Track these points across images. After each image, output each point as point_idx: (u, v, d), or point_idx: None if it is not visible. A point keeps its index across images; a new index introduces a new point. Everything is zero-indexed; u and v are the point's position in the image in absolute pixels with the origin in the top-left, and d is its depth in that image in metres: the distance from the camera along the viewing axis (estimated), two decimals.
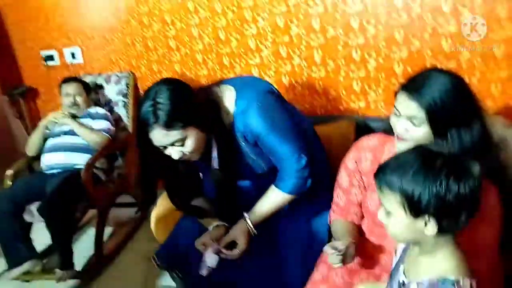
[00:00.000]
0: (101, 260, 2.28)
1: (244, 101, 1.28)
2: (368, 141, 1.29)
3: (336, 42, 1.96)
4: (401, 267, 0.81)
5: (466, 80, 1.08)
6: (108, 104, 2.64)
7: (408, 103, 1.05)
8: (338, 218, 1.33)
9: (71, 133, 2.31)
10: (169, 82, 1.24)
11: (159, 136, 1.18)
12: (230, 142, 1.33)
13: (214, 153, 1.34)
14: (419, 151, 0.77)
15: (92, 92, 2.57)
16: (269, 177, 1.37)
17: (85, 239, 2.52)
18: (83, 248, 2.35)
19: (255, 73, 2.23)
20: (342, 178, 1.32)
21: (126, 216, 2.74)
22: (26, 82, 3.26)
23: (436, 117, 1.03)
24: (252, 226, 1.33)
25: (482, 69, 1.67)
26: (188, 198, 1.48)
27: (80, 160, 2.22)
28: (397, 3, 1.77)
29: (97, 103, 2.59)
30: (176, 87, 1.22)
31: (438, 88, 1.03)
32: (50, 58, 3.02)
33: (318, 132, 1.58)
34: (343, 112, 2.05)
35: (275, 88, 1.41)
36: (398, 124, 1.09)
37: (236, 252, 1.31)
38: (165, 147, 1.23)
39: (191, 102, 1.21)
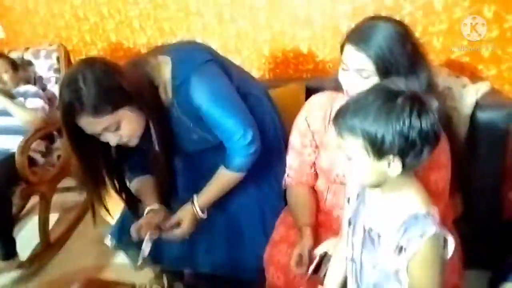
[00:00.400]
0: (48, 248, 2.13)
1: (182, 72, 1.18)
2: (317, 99, 1.27)
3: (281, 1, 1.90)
4: (364, 213, 0.80)
5: None
6: (39, 82, 2.42)
7: (356, 55, 1.02)
8: (292, 185, 1.31)
9: (2, 114, 2.09)
10: (90, 63, 1.12)
11: (88, 124, 1.09)
12: (170, 119, 1.24)
13: (154, 135, 1.22)
14: (378, 90, 0.74)
15: (20, 70, 2.33)
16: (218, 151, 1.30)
17: (29, 228, 2.34)
18: (28, 238, 2.19)
19: (199, 38, 2.12)
20: (294, 139, 1.30)
21: (72, 200, 2.58)
22: None
23: (384, 67, 1.01)
24: (198, 209, 1.28)
25: (423, 22, 1.69)
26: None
27: (13, 143, 2.03)
28: None
29: (27, 81, 2.36)
30: (99, 67, 1.10)
31: (384, 37, 1.01)
32: None
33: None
34: (292, 75, 2.02)
35: (218, 54, 1.33)
36: (346, 79, 1.06)
37: (176, 233, 1.26)
38: (99, 134, 1.13)
39: (119, 82, 1.10)
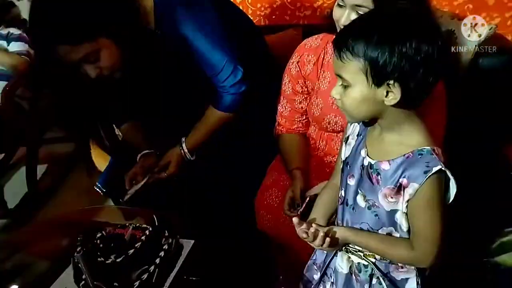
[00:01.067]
0: (36, 197, 2.11)
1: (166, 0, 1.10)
2: (311, 42, 1.21)
3: None
4: (363, 151, 0.76)
5: None
6: (23, 24, 2.30)
7: None
8: (283, 132, 1.27)
9: None
10: None
11: (65, 53, 1.01)
12: (153, 49, 1.15)
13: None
14: (381, 10, 0.69)
15: (2, 12, 2.21)
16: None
17: (17, 181, 2.28)
18: (16, 188, 2.15)
19: None
20: (286, 85, 1.25)
21: (59, 152, 2.54)
22: None
23: (383, 3, 0.95)
24: (186, 150, 1.25)
25: None
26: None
27: None
28: None
29: (9, 24, 2.24)
30: None
31: None
32: None
33: None
34: (289, 21, 1.93)
35: None
36: (341, 15, 1.00)
37: (163, 174, 1.25)
38: (77, 65, 1.05)
39: (96, 6, 1.00)
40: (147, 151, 1.31)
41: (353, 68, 0.66)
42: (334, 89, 0.72)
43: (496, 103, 1.25)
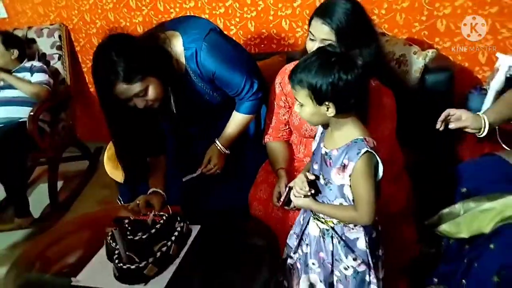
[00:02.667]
0: (57, 207, 2.37)
1: (192, 44, 1.40)
2: (290, 67, 1.50)
3: None
4: (322, 144, 1.05)
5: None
6: (43, 58, 2.61)
7: (322, 27, 1.26)
8: (271, 140, 1.55)
9: (9, 87, 2.30)
10: (116, 38, 1.29)
11: (122, 90, 1.26)
12: (185, 85, 1.45)
13: (172, 100, 1.45)
14: (319, 52, 0.99)
15: (26, 47, 2.52)
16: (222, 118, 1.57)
17: (38, 195, 2.56)
18: (38, 202, 2.40)
19: None
20: (271, 101, 1.54)
21: (74, 170, 2.81)
22: None
23: (344, 38, 1.25)
24: (222, 146, 1.55)
25: (388, 0, 1.93)
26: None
27: (22, 113, 2.24)
28: None
29: (32, 58, 2.55)
30: (126, 43, 1.27)
31: (344, 12, 1.25)
32: None
33: None
34: (275, 49, 2.24)
35: (215, 25, 1.53)
36: (313, 47, 1.27)
37: (210, 166, 1.53)
38: (130, 99, 1.30)
39: (143, 55, 1.27)
40: (158, 190, 1.45)
41: (302, 95, 0.97)
42: (295, 106, 1.03)
43: (439, 109, 1.54)
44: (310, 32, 1.30)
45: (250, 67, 1.51)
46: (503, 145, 1.46)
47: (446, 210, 1.35)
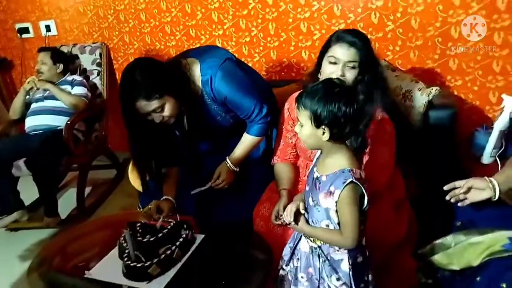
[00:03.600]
0: (83, 211, 2.55)
1: (209, 71, 1.55)
2: (296, 94, 1.62)
3: (287, 15, 2.27)
4: (315, 169, 1.15)
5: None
6: (84, 73, 2.86)
7: (349, 49, 1.40)
8: (278, 162, 1.66)
9: (52, 97, 2.53)
10: (143, 62, 1.47)
11: (142, 106, 1.43)
12: (200, 106, 1.60)
13: (185, 119, 1.59)
14: (326, 82, 1.10)
15: (69, 62, 2.78)
16: (233, 137, 1.70)
17: (67, 198, 2.75)
18: (66, 205, 2.59)
19: (218, 43, 2.51)
20: (280, 125, 1.66)
21: (102, 177, 3.01)
22: (1, 53, 3.41)
23: (364, 63, 1.41)
24: (231, 164, 1.68)
25: (402, 38, 2.03)
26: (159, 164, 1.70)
27: (61, 122, 2.46)
28: None
29: (74, 72, 2.80)
30: (150, 66, 1.45)
31: (365, 39, 1.43)
32: (25, 30, 3.18)
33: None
34: (294, 77, 2.38)
35: (233, 55, 1.70)
36: (336, 70, 1.40)
37: (219, 181, 1.66)
38: (148, 114, 1.46)
39: (163, 76, 1.44)
40: (168, 197, 1.58)
41: (304, 115, 1.08)
42: (296, 126, 1.14)
43: (442, 145, 1.62)
44: (332, 56, 1.42)
45: (262, 92, 1.64)
46: None
47: (438, 241, 1.40)
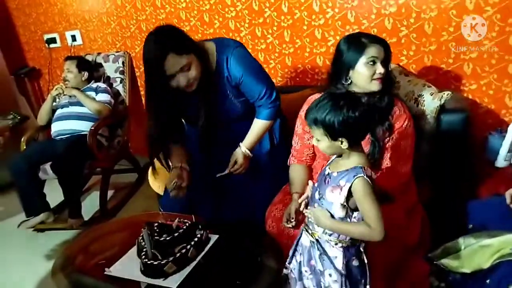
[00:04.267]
0: (105, 213, 2.65)
1: (224, 50, 1.63)
2: (315, 96, 1.67)
3: (301, 23, 2.32)
4: (327, 167, 1.20)
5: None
6: (107, 81, 2.98)
7: (381, 48, 1.47)
8: (295, 163, 1.70)
9: (77, 104, 2.66)
10: (167, 25, 1.55)
11: (173, 61, 1.46)
12: (213, 84, 1.65)
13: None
14: (328, 96, 1.14)
15: (93, 70, 2.90)
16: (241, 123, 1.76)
17: (90, 201, 2.89)
18: (89, 207, 2.72)
19: None
20: (297, 126, 1.71)
21: (124, 181, 3.12)
22: (30, 63, 3.59)
23: (388, 58, 1.50)
24: (245, 149, 1.72)
25: (416, 43, 2.05)
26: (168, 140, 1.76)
27: (85, 127, 2.58)
28: None
29: (98, 80, 2.92)
30: (174, 27, 1.55)
31: (385, 42, 1.51)
32: (53, 40, 3.34)
33: (288, 98, 1.99)
34: (309, 83, 2.42)
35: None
36: (378, 68, 1.46)
37: (236, 167, 1.71)
38: (174, 76, 1.50)
39: (188, 36, 1.54)
40: (182, 165, 1.71)
41: (318, 133, 1.13)
42: (313, 140, 1.18)
43: (455, 148, 1.63)
44: (372, 57, 1.46)
45: (270, 80, 1.73)
46: None
47: (449, 244, 1.41)
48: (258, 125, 1.74)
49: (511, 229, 1.30)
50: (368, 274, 1.20)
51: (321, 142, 1.14)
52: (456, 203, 1.55)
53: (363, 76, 1.48)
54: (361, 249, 1.18)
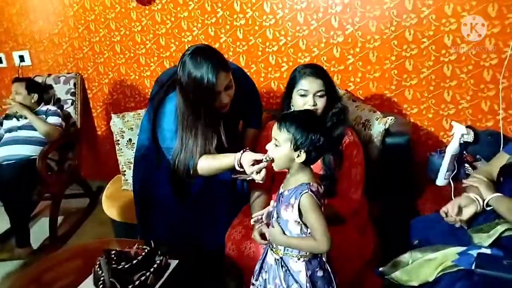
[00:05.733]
0: (55, 240, 2.53)
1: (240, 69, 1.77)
2: (272, 123, 1.74)
3: (256, 49, 2.41)
4: (281, 186, 1.26)
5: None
6: (58, 102, 2.89)
7: (316, 81, 1.57)
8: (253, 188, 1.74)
9: (26, 127, 2.56)
10: (204, 45, 1.59)
11: (224, 77, 1.49)
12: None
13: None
14: (308, 113, 1.25)
15: (44, 92, 2.81)
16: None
17: (39, 228, 2.72)
18: (38, 234, 2.57)
19: None
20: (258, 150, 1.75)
21: (75, 206, 3.00)
22: None
23: (329, 91, 1.59)
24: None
25: (362, 70, 2.20)
26: None
27: (34, 151, 2.48)
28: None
29: (48, 102, 2.83)
30: (211, 46, 1.59)
31: (324, 72, 1.61)
32: None
33: None
34: (264, 106, 2.46)
35: None
36: (308, 101, 1.56)
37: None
38: (220, 94, 1.51)
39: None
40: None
41: (284, 137, 1.18)
42: (269, 144, 1.23)
43: (399, 168, 1.76)
44: (301, 89, 1.57)
45: None
46: None
47: (397, 259, 1.50)
48: (253, 134, 1.82)
49: (452, 243, 1.41)
50: (334, 282, 1.26)
51: (280, 148, 1.19)
52: (402, 220, 1.66)
53: (297, 106, 1.60)
54: (324, 259, 1.23)
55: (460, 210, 1.43)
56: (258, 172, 1.39)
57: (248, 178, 1.50)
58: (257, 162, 1.39)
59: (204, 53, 1.50)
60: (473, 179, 1.50)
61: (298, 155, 1.18)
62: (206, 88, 1.47)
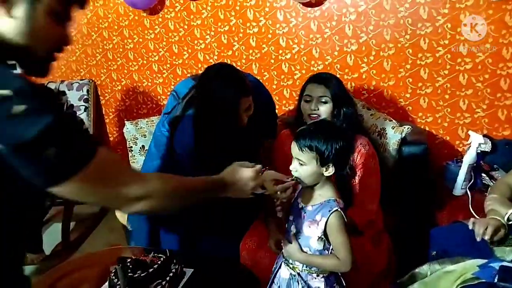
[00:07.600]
0: (67, 246, 2.54)
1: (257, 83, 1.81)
2: (286, 132, 1.75)
3: (269, 57, 2.42)
4: (299, 200, 1.24)
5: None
6: (71, 109, 2.90)
7: (318, 87, 1.60)
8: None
9: None
10: (229, 66, 1.62)
11: (245, 101, 1.50)
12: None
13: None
14: (322, 123, 1.22)
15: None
16: None
17: (51, 232, 2.74)
18: (50, 240, 2.59)
19: None
20: (273, 159, 1.76)
21: (86, 212, 3.00)
22: None
23: (336, 98, 1.60)
24: None
25: (376, 79, 2.19)
26: None
27: None
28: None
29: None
30: (235, 68, 1.62)
31: (332, 79, 1.65)
32: (11, 67, 3.22)
33: None
34: (277, 113, 2.49)
35: None
36: (311, 106, 1.60)
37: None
38: (240, 115, 1.52)
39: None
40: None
41: (308, 156, 1.15)
42: (292, 165, 1.19)
43: (416, 177, 1.74)
44: (307, 95, 1.62)
45: None
46: (474, 214, 1.62)
47: (415, 271, 1.48)
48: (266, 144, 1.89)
49: (471, 254, 1.39)
50: None
51: (307, 167, 1.15)
52: (419, 231, 1.64)
53: (303, 111, 1.65)
54: (339, 273, 1.22)
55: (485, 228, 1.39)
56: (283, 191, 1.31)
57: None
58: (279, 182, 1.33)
59: (228, 76, 1.52)
60: (486, 203, 1.48)
61: (327, 169, 1.15)
62: (227, 110, 1.50)
